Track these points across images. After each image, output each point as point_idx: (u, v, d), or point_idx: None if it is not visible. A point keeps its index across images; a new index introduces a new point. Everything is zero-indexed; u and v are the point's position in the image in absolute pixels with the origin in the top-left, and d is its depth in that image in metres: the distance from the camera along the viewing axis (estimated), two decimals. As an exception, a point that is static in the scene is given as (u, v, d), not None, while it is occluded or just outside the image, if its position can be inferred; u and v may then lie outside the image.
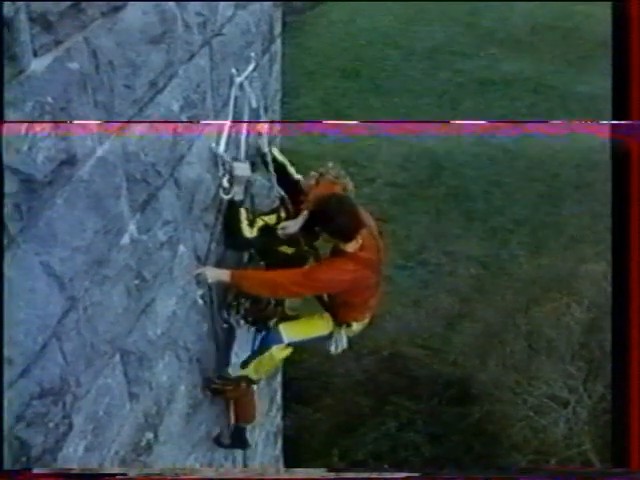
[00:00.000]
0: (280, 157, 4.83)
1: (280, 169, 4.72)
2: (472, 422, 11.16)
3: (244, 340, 4.80)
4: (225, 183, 4.13)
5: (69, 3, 2.40)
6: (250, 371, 4.69)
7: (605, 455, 9.58)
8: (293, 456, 9.24)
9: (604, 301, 9.78)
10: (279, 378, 7.64)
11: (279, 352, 4.64)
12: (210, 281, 4.18)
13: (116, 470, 3.19)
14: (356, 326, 4.74)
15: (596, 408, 10.34)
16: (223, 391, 4.78)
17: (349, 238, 4.21)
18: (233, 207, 4.25)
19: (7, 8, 2.11)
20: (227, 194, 4.17)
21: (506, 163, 16.28)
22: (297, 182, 4.74)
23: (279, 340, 4.60)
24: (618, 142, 3.02)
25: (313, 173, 4.65)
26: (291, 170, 4.83)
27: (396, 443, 11.19)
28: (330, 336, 4.70)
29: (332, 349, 4.76)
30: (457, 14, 21.22)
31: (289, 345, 4.65)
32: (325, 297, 4.59)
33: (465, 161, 16.41)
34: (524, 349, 11.35)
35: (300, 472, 3.21)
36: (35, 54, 2.28)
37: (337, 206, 4.19)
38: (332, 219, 4.16)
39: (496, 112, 17.68)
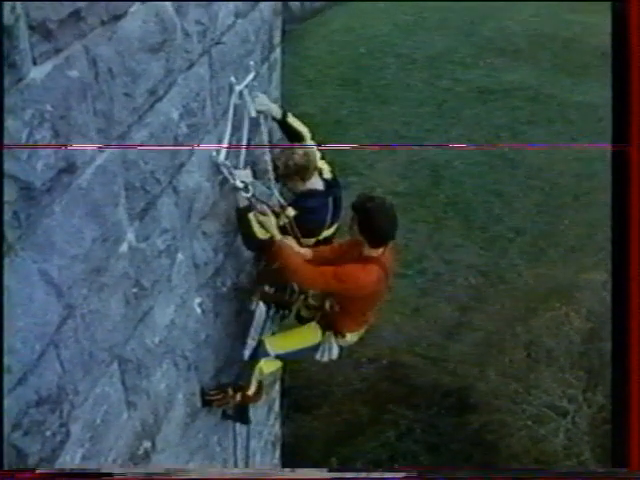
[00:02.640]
0: (297, 125, 4.84)
1: (296, 136, 4.79)
2: (471, 431, 11.12)
3: (260, 323, 4.89)
4: (239, 184, 4.14)
5: (69, 11, 2.40)
6: (252, 389, 4.73)
7: (605, 465, 9.55)
8: (292, 465, 9.21)
9: (604, 310, 9.77)
10: (277, 386, 7.62)
11: (268, 365, 4.66)
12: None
13: (117, 471, 3.17)
14: (350, 337, 4.72)
15: (596, 418, 10.31)
16: (212, 402, 4.79)
17: (382, 244, 4.19)
18: (241, 213, 4.28)
19: (7, 16, 2.12)
20: (248, 192, 4.19)
21: (506, 172, 16.28)
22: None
23: (265, 353, 4.61)
24: (618, 152, 3.03)
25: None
26: (307, 137, 4.85)
27: (395, 452, 11.15)
28: (318, 346, 4.69)
29: (318, 356, 4.74)
30: (457, 23, 21.25)
31: (277, 358, 4.66)
32: (327, 306, 4.57)
33: (465, 170, 16.41)
34: (523, 358, 11.34)
35: (301, 472, 3.19)
36: (35, 62, 2.29)
37: (380, 208, 4.16)
38: (374, 220, 4.12)
39: (496, 121, 17.70)
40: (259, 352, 4.66)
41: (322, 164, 4.84)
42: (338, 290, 4.34)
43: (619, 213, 3.05)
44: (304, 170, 4.63)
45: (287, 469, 6.81)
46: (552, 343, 11.12)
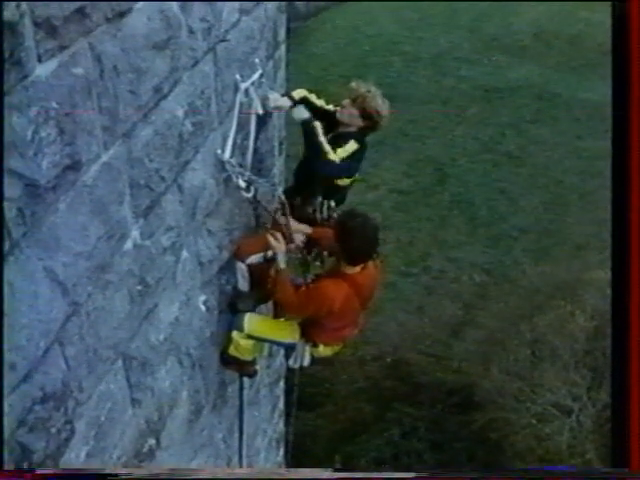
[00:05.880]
0: (300, 95, 4.73)
1: (312, 108, 4.71)
2: (475, 430, 11.12)
3: None
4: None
5: (74, 8, 2.40)
6: (232, 350, 4.72)
7: (609, 463, 9.53)
8: (295, 462, 9.22)
9: (608, 309, 9.72)
10: (282, 384, 7.63)
11: (240, 338, 4.64)
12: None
13: (120, 470, 3.17)
14: (323, 349, 4.67)
15: (600, 416, 10.30)
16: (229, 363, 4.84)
17: (358, 263, 4.15)
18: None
19: (12, 13, 2.11)
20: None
21: (510, 170, 16.28)
22: (333, 113, 4.74)
23: (239, 326, 4.60)
24: (618, 147, 3.03)
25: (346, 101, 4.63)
26: (321, 104, 4.79)
27: (399, 450, 11.16)
28: (293, 346, 4.66)
29: (290, 362, 4.75)
30: (461, 21, 21.24)
31: (249, 337, 4.64)
32: None
33: (469, 168, 16.40)
34: (528, 357, 11.32)
35: (305, 472, 3.18)
36: (40, 59, 2.28)
37: (360, 228, 4.07)
38: (352, 240, 4.05)
39: (501, 119, 17.68)
40: (234, 322, 4.67)
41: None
42: (311, 310, 4.34)
43: (619, 212, 3.05)
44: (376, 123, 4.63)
45: (292, 469, 6.81)
46: (557, 341, 11.10)
